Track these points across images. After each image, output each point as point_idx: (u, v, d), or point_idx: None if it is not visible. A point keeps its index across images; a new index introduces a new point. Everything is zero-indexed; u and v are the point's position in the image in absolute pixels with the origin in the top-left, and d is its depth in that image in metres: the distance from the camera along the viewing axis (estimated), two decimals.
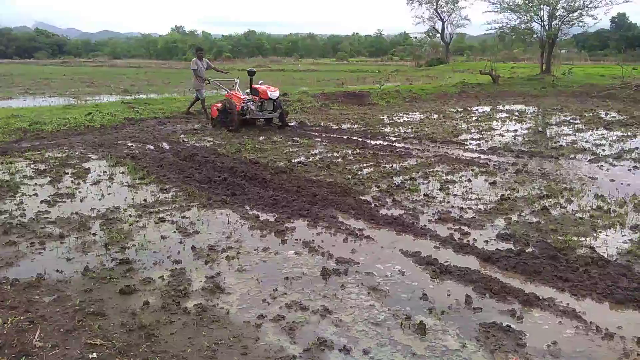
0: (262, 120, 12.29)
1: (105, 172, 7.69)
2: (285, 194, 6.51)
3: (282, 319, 3.53)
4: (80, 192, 6.62)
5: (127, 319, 3.51)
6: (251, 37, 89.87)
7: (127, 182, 7.10)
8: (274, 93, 11.83)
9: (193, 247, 4.78)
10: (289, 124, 12.38)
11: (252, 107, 11.70)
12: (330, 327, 3.46)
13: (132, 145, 9.82)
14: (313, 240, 5.02)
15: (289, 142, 10.21)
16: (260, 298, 3.84)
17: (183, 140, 10.36)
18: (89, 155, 8.85)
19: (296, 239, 5.04)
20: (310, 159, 8.60)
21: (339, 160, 8.57)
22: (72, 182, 7.12)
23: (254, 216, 5.68)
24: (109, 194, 6.56)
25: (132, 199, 6.34)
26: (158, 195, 6.47)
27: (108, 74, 34.45)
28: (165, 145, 9.83)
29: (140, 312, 3.61)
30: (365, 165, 8.22)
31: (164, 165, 8.03)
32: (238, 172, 7.55)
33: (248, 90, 12.16)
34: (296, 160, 8.47)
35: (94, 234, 5.13)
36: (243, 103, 11.68)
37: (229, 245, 4.87)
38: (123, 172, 7.68)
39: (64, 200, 6.30)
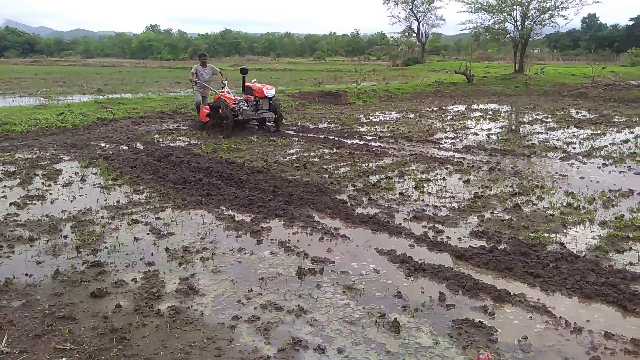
0: (255, 122, 11.81)
1: (77, 173, 7.54)
2: (262, 194, 6.48)
3: (256, 320, 3.52)
4: (51, 194, 6.49)
5: (98, 323, 3.45)
6: (227, 36, 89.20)
7: (99, 184, 6.99)
8: (270, 91, 11.26)
9: (167, 249, 4.73)
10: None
11: (245, 107, 11.17)
12: (305, 326, 3.46)
13: (105, 146, 9.66)
14: (289, 240, 5.01)
15: (266, 142, 10.17)
16: (235, 299, 3.82)
17: (157, 141, 10.23)
18: (61, 156, 8.68)
19: (272, 239, 5.03)
20: (286, 159, 8.59)
21: (316, 159, 8.58)
22: (42, 183, 6.97)
23: (229, 217, 5.64)
24: (80, 196, 6.44)
25: (105, 200, 6.24)
26: (131, 197, 6.38)
27: (81, 73, 33.81)
28: (139, 146, 9.70)
29: (111, 316, 3.55)
30: (341, 164, 8.24)
31: (137, 166, 7.92)
32: (213, 172, 7.50)
33: (231, 90, 11.85)
34: (273, 160, 8.45)
35: (65, 237, 5.03)
36: (234, 103, 11.15)
37: (203, 246, 4.83)
38: (95, 173, 7.55)
39: (34, 202, 6.17)
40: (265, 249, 4.81)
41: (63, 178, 7.27)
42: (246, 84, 11.66)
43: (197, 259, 4.53)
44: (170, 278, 4.16)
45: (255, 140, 10.40)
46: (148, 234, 5.13)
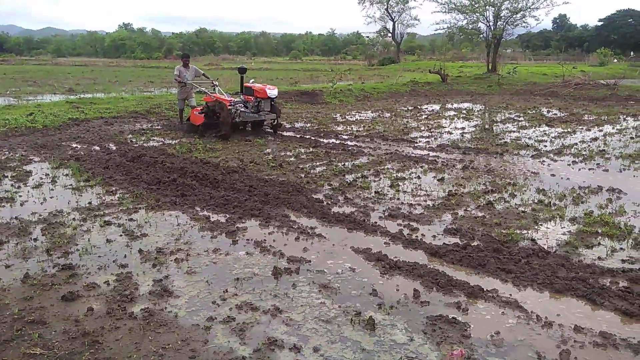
0: (249, 125, 11.25)
1: (48, 174, 7.38)
2: (237, 193, 6.44)
3: (232, 321, 3.49)
4: (20, 196, 6.33)
5: (70, 327, 3.39)
6: (202, 35, 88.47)
7: (71, 185, 6.85)
8: (273, 91, 10.65)
9: (140, 250, 4.66)
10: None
11: (242, 109, 10.62)
12: (280, 326, 3.45)
13: (76, 147, 9.48)
14: (265, 239, 4.99)
15: (242, 142, 10.11)
16: (209, 300, 3.79)
17: (131, 141, 10.08)
18: (31, 158, 8.48)
19: (247, 239, 5.00)
20: (262, 158, 8.55)
21: (292, 159, 8.57)
22: (12, 185, 6.80)
23: (204, 217, 5.59)
24: (51, 198, 6.30)
25: (76, 202, 6.12)
26: (104, 198, 6.27)
27: (52, 73, 33.07)
28: (112, 146, 9.53)
29: (83, 319, 3.48)
30: (317, 163, 8.25)
31: (110, 167, 7.79)
32: (188, 172, 7.42)
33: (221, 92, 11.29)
34: (248, 160, 8.40)
35: (35, 239, 4.92)
36: (229, 105, 10.49)
37: (178, 247, 4.77)
38: (67, 175, 7.40)
39: (3, 204, 6.01)
40: (241, 249, 4.78)
41: (33, 179, 7.10)
42: (245, 84, 11.08)
43: (172, 261, 4.48)
44: (143, 280, 4.10)
45: (231, 140, 10.32)
46: (121, 235, 5.05)
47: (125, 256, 4.56)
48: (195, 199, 6.24)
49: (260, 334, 3.35)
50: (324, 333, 3.37)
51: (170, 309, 3.65)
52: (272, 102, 10.80)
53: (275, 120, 11.01)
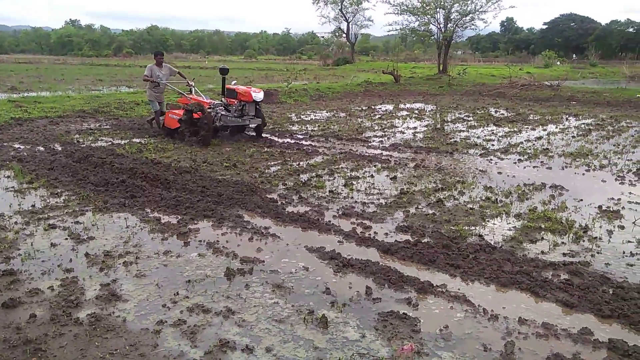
0: (227, 130, 10.48)
1: None
2: (189, 194, 6.34)
3: (183, 324, 3.43)
4: None
5: (11, 334, 3.24)
6: (154, 33, 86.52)
7: (12, 187, 6.55)
8: (258, 95, 9.91)
9: (87, 254, 4.51)
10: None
11: (223, 112, 9.95)
12: (233, 327, 3.42)
13: (19, 147, 9.07)
14: (218, 240, 4.93)
15: (194, 141, 9.93)
16: (160, 303, 3.71)
17: (77, 141, 9.73)
18: None
19: (200, 241, 4.92)
20: (216, 158, 8.44)
21: (246, 159, 8.50)
22: None
23: (154, 219, 5.47)
24: None
25: (19, 205, 5.86)
26: (48, 200, 6.03)
27: None
28: (58, 147, 9.18)
29: (25, 326, 3.34)
30: (272, 163, 8.22)
31: (55, 168, 7.50)
32: (138, 173, 7.24)
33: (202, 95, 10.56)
34: (201, 160, 8.28)
35: None
36: (209, 108, 9.81)
37: (126, 250, 4.65)
38: (8, 177, 7.07)
39: None
40: (193, 250, 4.70)
41: None
42: (228, 86, 10.36)
43: (120, 264, 4.35)
44: (90, 284, 3.97)
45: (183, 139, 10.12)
46: (66, 239, 4.87)
47: (70, 260, 4.40)
48: (146, 200, 6.09)
49: (212, 336, 3.31)
50: (276, 333, 3.37)
51: (118, 314, 3.55)
52: (257, 106, 10.13)
53: (259, 125, 10.39)
